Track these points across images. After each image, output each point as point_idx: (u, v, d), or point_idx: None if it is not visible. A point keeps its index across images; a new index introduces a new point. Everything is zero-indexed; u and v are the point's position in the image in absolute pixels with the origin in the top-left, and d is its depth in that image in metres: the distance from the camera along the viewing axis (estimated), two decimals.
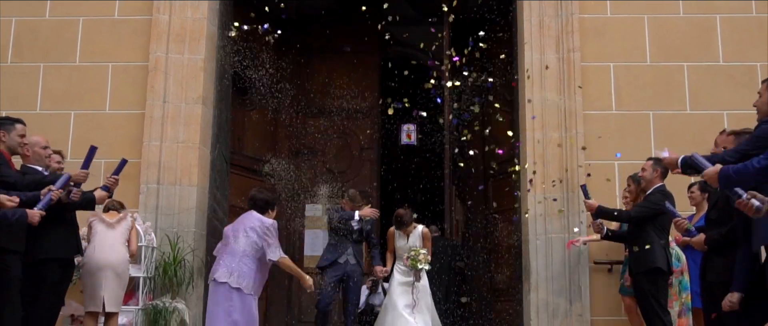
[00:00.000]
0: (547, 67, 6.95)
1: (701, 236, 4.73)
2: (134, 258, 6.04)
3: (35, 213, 4.41)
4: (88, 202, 5.18)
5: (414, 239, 6.72)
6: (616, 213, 5.73)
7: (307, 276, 5.48)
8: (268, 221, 5.31)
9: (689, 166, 4.11)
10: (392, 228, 6.89)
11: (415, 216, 7.01)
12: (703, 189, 5.84)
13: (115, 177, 5.30)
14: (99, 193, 5.25)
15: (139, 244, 6.56)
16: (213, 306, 5.24)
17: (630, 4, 7.17)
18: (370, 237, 7.08)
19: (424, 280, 6.60)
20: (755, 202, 3.35)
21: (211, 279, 5.30)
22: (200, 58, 7.04)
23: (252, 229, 5.25)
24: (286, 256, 5.43)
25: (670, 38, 7.12)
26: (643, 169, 5.58)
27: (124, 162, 5.33)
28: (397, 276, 6.62)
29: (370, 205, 7.06)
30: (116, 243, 5.71)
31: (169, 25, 7.05)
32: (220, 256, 5.32)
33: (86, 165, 4.95)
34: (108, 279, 5.57)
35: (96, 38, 7.19)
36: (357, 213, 6.79)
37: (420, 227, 6.84)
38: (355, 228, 6.83)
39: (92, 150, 4.96)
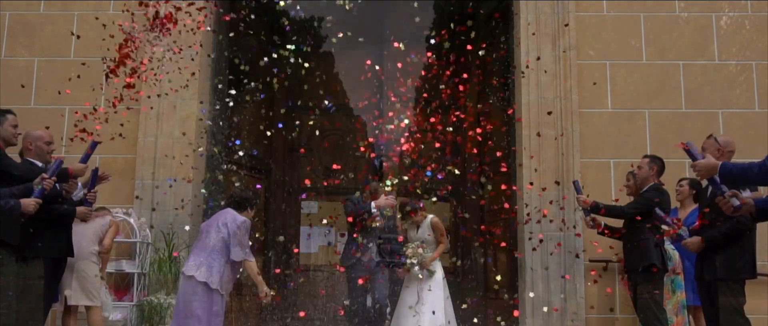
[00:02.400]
0: (544, 70, 6.94)
1: (696, 239, 4.72)
2: (107, 252, 6.00)
3: (30, 203, 4.33)
4: (67, 215, 5.12)
5: (423, 230, 6.32)
6: (610, 210, 5.70)
7: (265, 288, 5.37)
8: (240, 219, 5.31)
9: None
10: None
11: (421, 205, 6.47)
12: (692, 185, 5.84)
13: (94, 192, 5.23)
14: (81, 209, 5.19)
15: (134, 240, 6.56)
16: (179, 299, 5.28)
17: (626, 2, 7.19)
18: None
19: (438, 275, 6.21)
20: (735, 201, 3.64)
21: (181, 272, 5.32)
22: (196, 53, 7.02)
23: (224, 225, 5.27)
24: (252, 260, 5.35)
25: (665, 37, 7.14)
26: (639, 167, 5.58)
27: (95, 172, 5.16)
28: (401, 270, 6.23)
29: (386, 195, 6.51)
30: (83, 239, 5.70)
31: (168, 22, 7.02)
32: (192, 250, 5.36)
33: (85, 159, 4.91)
34: (68, 274, 5.58)
35: (90, 33, 7.16)
36: (373, 203, 6.37)
37: (429, 216, 6.42)
38: (378, 221, 6.39)
39: (93, 144, 4.92)
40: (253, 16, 7.33)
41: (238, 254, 5.23)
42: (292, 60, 6.62)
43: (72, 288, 5.63)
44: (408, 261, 6.09)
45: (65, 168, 4.80)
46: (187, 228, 6.72)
